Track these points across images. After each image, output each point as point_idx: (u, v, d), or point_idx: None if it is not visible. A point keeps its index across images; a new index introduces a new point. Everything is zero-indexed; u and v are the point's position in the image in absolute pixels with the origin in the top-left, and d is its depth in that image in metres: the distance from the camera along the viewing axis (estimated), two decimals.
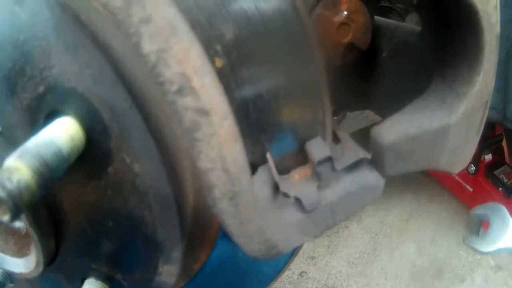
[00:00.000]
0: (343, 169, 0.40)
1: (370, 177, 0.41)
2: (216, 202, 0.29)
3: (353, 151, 0.41)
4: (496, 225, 0.86)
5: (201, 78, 0.26)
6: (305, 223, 0.40)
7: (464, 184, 1.83)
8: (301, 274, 1.69)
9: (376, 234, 1.81)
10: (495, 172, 1.76)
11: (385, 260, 1.73)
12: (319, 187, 0.40)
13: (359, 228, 1.82)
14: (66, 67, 0.34)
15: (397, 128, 0.42)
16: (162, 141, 0.34)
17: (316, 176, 0.39)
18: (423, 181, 1.98)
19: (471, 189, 1.82)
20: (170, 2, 0.27)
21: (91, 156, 0.36)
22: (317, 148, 0.40)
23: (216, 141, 0.27)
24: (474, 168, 1.75)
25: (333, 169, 0.39)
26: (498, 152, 1.79)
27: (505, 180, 1.74)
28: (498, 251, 0.89)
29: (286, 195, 0.37)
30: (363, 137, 0.49)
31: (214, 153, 0.27)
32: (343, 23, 0.51)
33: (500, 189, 1.71)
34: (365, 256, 1.74)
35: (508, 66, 1.05)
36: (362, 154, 0.41)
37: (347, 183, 0.40)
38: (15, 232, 0.49)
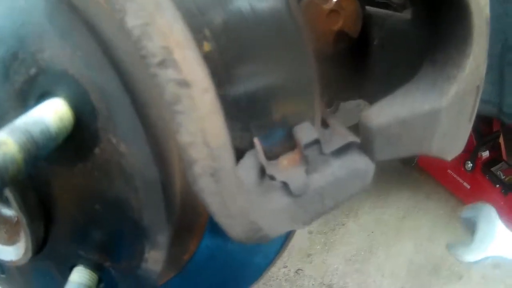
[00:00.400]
0: (332, 153, 0.40)
1: (359, 162, 0.41)
2: (196, 179, 0.29)
3: (342, 135, 0.41)
4: (484, 231, 0.83)
5: (183, 51, 0.27)
6: (293, 208, 0.39)
7: (461, 181, 1.83)
8: (297, 271, 1.68)
9: (372, 232, 1.81)
10: (492, 169, 1.76)
11: (382, 258, 1.73)
12: (307, 171, 0.39)
13: (355, 226, 1.82)
14: (58, 50, 0.36)
15: (387, 112, 0.41)
16: (149, 122, 0.35)
17: (304, 160, 0.39)
18: (419, 179, 1.97)
19: (468, 186, 1.82)
20: None
21: (79, 137, 0.37)
22: (305, 132, 0.39)
23: (196, 114, 0.27)
24: (471, 165, 1.75)
25: (321, 152, 0.39)
26: (495, 149, 1.79)
27: (503, 177, 1.74)
28: (485, 260, 0.85)
29: (272, 178, 0.37)
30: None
31: (194, 126, 0.28)
32: (332, 10, 0.51)
33: (498, 186, 1.71)
34: (362, 253, 1.74)
35: (503, 59, 1.05)
36: (351, 138, 0.40)
37: (336, 168, 0.40)
38: (6, 221, 0.50)
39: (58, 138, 0.34)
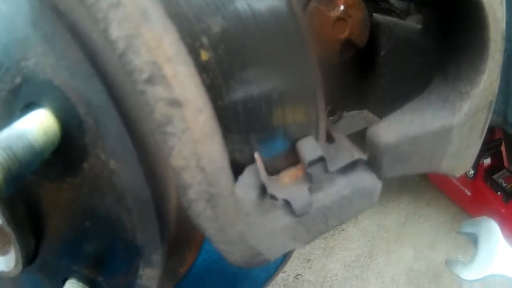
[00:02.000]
0: (337, 170, 0.38)
1: (366, 180, 0.39)
2: (191, 204, 0.27)
3: (348, 152, 0.39)
4: (485, 248, 0.80)
5: (174, 67, 0.24)
6: (295, 228, 0.37)
7: (463, 188, 1.81)
8: (296, 276, 1.66)
9: (373, 237, 1.79)
10: (494, 177, 1.74)
11: (381, 264, 1.71)
12: (311, 190, 0.37)
13: (355, 231, 1.80)
14: (42, 58, 0.33)
15: (396, 128, 0.39)
16: (140, 138, 0.32)
17: (308, 177, 0.37)
18: (420, 185, 1.96)
19: (469, 193, 1.80)
20: None
21: (67, 150, 0.34)
22: (309, 148, 0.37)
23: (189, 137, 0.25)
24: (473, 172, 1.74)
25: (326, 170, 0.37)
26: (497, 156, 1.77)
27: (504, 185, 1.72)
28: (486, 279, 0.82)
29: (273, 198, 0.35)
30: (361, 138, 0.46)
31: (188, 149, 0.25)
32: (339, 18, 0.49)
33: (499, 193, 1.70)
34: (362, 259, 1.72)
35: (509, 69, 1.03)
36: (358, 154, 0.38)
37: (341, 186, 0.38)
38: None
39: (43, 153, 0.32)
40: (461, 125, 0.41)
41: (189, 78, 0.25)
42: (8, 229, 0.40)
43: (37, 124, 0.32)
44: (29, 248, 0.43)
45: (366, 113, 1.52)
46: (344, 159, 0.38)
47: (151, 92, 0.24)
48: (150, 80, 0.24)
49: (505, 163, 1.78)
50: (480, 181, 1.75)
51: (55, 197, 0.39)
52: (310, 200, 0.37)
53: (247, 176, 0.36)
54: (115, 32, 0.24)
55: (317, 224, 0.39)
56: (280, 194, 0.36)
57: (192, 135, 0.25)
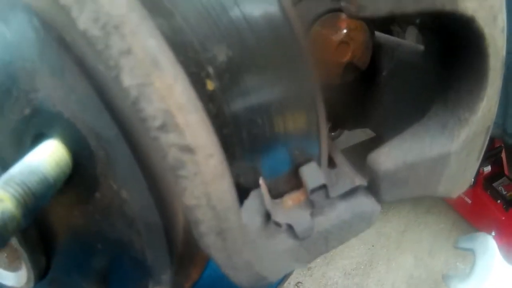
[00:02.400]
0: (338, 196, 0.39)
1: (365, 204, 0.40)
2: (202, 236, 0.28)
3: (349, 178, 0.40)
4: (481, 264, 0.81)
5: (186, 115, 0.25)
6: (297, 250, 0.38)
7: (463, 196, 1.82)
8: (297, 284, 1.67)
9: (373, 245, 1.80)
10: (494, 184, 1.75)
11: (382, 272, 1.72)
12: (313, 214, 0.38)
13: (356, 239, 1.80)
14: (51, 91, 0.33)
15: (395, 155, 0.40)
16: (149, 168, 0.33)
17: (310, 203, 0.38)
18: None
19: (469, 201, 1.81)
20: (152, 31, 0.26)
21: (78, 180, 0.35)
22: (311, 175, 0.38)
23: (200, 180, 0.26)
24: (473, 179, 1.74)
25: (327, 196, 0.38)
26: (497, 164, 1.78)
27: (504, 193, 1.73)
28: None
29: (277, 224, 0.36)
30: (361, 150, 0.47)
31: (199, 191, 0.26)
32: (342, 42, 0.50)
33: (499, 201, 1.70)
34: (362, 267, 1.73)
35: (508, 81, 1.04)
36: (358, 181, 0.40)
37: (342, 211, 0.39)
38: (7, 245, 0.49)
39: (56, 185, 0.33)
40: (459, 151, 0.42)
41: (200, 125, 0.26)
42: (20, 249, 0.41)
43: (49, 156, 0.32)
44: (41, 267, 0.44)
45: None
46: (345, 186, 0.39)
47: (164, 138, 0.25)
48: (163, 128, 0.25)
49: (506, 171, 1.79)
50: (480, 189, 1.75)
51: (65, 221, 0.40)
52: (312, 225, 0.38)
53: (252, 201, 0.37)
54: (127, 80, 0.25)
55: (318, 246, 0.40)
56: (284, 219, 0.37)
57: (203, 177, 0.26)
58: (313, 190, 0.37)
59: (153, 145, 0.25)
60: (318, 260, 1.74)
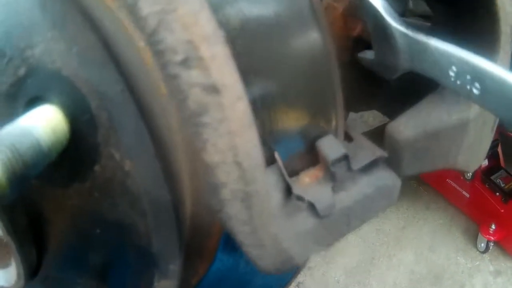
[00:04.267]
0: (359, 169, 0.36)
1: (387, 178, 0.38)
2: (224, 205, 0.24)
3: (369, 150, 0.37)
4: None
5: (212, 47, 0.22)
6: (319, 231, 0.35)
7: (461, 190, 1.81)
8: (297, 285, 1.64)
9: (373, 243, 1.78)
10: (491, 177, 1.74)
11: (383, 269, 1.69)
12: (334, 189, 0.36)
13: (355, 237, 1.79)
14: (51, 44, 0.30)
15: (414, 124, 0.38)
16: (158, 133, 0.29)
17: (330, 177, 0.35)
18: (418, 189, 1.95)
19: (467, 195, 1.80)
20: None
21: (75, 152, 0.31)
22: (331, 146, 0.35)
23: (226, 128, 0.22)
24: (471, 174, 1.73)
25: (349, 169, 0.35)
26: (494, 157, 1.78)
27: (502, 185, 1.72)
28: None
29: (300, 199, 0.33)
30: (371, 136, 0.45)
31: (224, 142, 0.23)
32: (351, 14, 0.48)
33: (498, 194, 1.70)
34: (363, 265, 1.70)
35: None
36: (379, 153, 0.37)
37: (363, 185, 0.36)
38: None
39: (50, 154, 0.29)
40: (476, 118, 0.41)
41: (227, 61, 0.22)
42: (7, 239, 0.37)
43: (44, 122, 0.28)
44: (31, 260, 0.40)
45: (367, 117, 1.52)
46: (365, 158, 0.36)
47: (186, 76, 0.22)
48: (185, 62, 0.22)
49: (502, 163, 1.79)
50: (478, 183, 1.75)
51: (59, 204, 0.36)
52: (333, 201, 0.35)
53: (270, 177, 0.34)
54: (146, 8, 0.21)
55: (339, 226, 0.37)
56: (305, 195, 0.34)
57: (229, 126, 0.22)
58: (334, 162, 0.35)
59: (171, 87, 0.22)
60: (318, 259, 1.70)
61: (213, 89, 0.22)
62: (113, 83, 0.27)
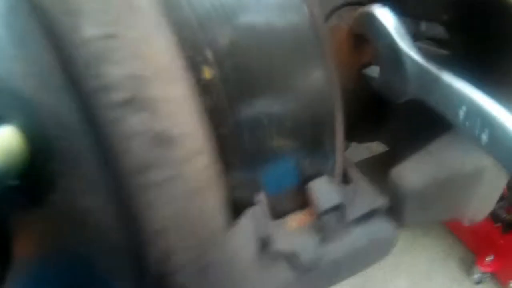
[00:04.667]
0: (353, 220, 0.32)
1: (384, 230, 0.34)
2: (175, 273, 0.20)
3: (368, 196, 0.33)
4: None
5: (167, 85, 0.17)
6: (301, 283, 0.31)
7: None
8: None
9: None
10: (494, 207, 1.70)
11: None
12: (322, 240, 0.31)
13: None
14: (12, 64, 0.27)
15: (424, 170, 0.34)
16: (118, 171, 0.25)
17: (320, 227, 0.31)
18: None
19: (467, 224, 1.75)
20: None
21: (31, 178, 0.28)
22: (324, 192, 0.31)
23: (178, 189, 0.18)
24: None
25: (341, 219, 0.31)
26: None
27: (504, 216, 1.67)
28: None
29: (277, 253, 0.29)
30: (365, 168, 0.41)
31: (173, 208, 0.18)
32: (360, 39, 0.43)
33: (498, 224, 1.65)
34: None
35: None
36: (379, 201, 0.33)
37: (357, 237, 0.32)
38: None
39: (4, 180, 0.27)
40: (493, 166, 0.36)
41: (187, 103, 0.18)
42: None
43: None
44: None
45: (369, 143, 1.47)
46: (363, 207, 0.32)
47: (130, 120, 0.17)
48: (130, 103, 0.17)
49: (505, 192, 1.74)
50: None
51: (23, 224, 0.33)
52: (320, 253, 0.31)
53: (246, 222, 0.30)
54: (89, 29, 0.17)
55: (326, 278, 0.33)
56: (286, 245, 0.30)
57: (182, 186, 0.18)
58: (325, 212, 0.30)
59: (114, 132, 0.17)
60: None
61: (167, 140, 0.17)
62: (71, 111, 0.23)
